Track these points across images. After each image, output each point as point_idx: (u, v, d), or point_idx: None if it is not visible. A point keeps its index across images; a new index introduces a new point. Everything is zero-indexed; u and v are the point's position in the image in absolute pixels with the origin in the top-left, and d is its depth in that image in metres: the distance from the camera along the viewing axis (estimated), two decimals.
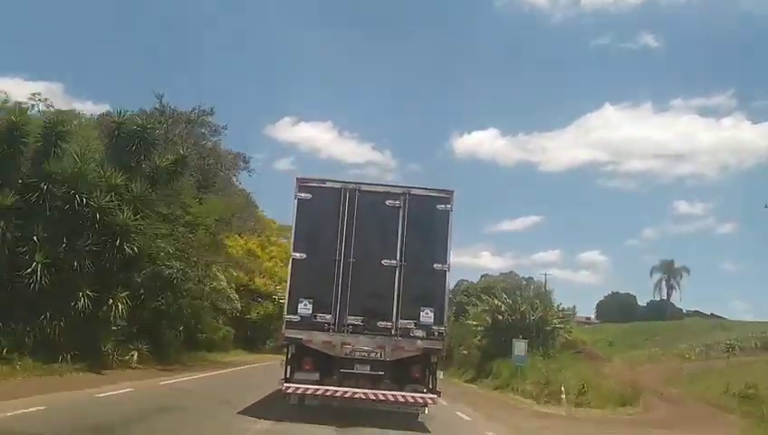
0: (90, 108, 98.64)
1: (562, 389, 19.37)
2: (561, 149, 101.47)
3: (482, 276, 71.69)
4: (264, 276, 47.24)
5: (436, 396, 10.53)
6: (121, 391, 12.78)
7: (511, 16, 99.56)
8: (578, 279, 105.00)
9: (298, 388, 10.39)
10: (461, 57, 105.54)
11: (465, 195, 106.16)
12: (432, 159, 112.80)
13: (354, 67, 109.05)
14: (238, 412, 10.99)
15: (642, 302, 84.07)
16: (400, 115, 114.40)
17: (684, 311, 75.81)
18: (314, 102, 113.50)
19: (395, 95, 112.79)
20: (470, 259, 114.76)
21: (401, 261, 10.60)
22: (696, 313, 69.39)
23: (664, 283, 78.12)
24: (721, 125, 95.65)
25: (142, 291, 19.73)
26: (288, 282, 10.95)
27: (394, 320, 10.46)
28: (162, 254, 19.73)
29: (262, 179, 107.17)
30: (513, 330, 27.69)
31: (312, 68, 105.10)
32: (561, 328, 30.96)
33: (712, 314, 71.16)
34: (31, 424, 8.47)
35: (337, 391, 10.34)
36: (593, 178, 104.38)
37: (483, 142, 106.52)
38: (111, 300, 17.31)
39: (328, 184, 10.93)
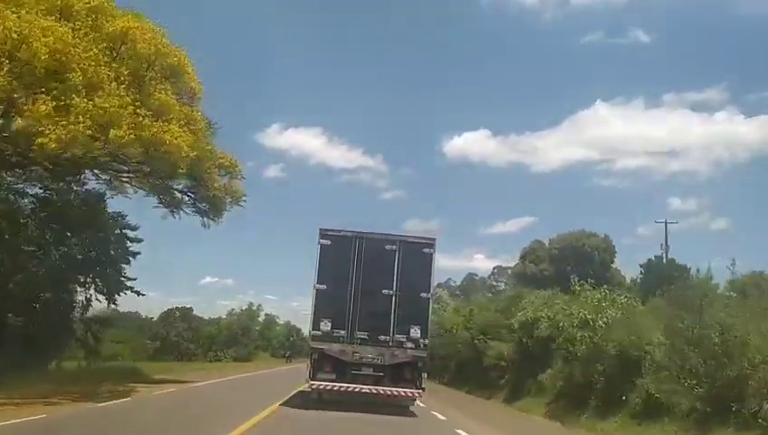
0: None
1: None
2: (553, 148, 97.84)
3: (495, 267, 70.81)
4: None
5: (421, 391, 14.25)
6: None
7: (499, 16, 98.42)
8: None
9: (320, 384, 14.15)
10: (450, 58, 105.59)
11: (457, 198, 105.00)
12: (424, 163, 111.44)
13: (343, 71, 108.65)
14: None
15: None
16: (390, 119, 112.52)
17: None
18: (303, 108, 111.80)
19: (384, 99, 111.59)
20: (464, 262, 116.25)
21: (396, 291, 14.32)
22: None
23: None
24: (714, 119, 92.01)
25: None
26: (313, 306, 14.60)
27: (391, 334, 14.18)
28: None
29: (252, 188, 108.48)
30: None
31: (300, 74, 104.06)
32: None
33: None
34: None
35: (349, 387, 14.06)
36: (586, 178, 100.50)
37: (474, 144, 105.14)
38: None
39: (342, 233, 14.72)
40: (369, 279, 14.36)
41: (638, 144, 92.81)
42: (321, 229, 14.67)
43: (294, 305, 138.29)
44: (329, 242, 14.53)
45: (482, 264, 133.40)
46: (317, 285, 14.42)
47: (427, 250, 14.70)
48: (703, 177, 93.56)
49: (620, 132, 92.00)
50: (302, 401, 15.48)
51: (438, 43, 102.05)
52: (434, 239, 14.88)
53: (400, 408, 14.64)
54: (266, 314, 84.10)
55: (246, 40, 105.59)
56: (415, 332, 14.20)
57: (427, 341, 14.38)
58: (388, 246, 14.63)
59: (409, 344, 14.17)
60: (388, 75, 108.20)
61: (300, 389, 18.04)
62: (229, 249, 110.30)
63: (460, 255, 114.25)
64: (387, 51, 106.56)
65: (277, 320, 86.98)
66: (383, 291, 14.32)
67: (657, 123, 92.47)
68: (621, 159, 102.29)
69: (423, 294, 14.45)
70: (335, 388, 14.11)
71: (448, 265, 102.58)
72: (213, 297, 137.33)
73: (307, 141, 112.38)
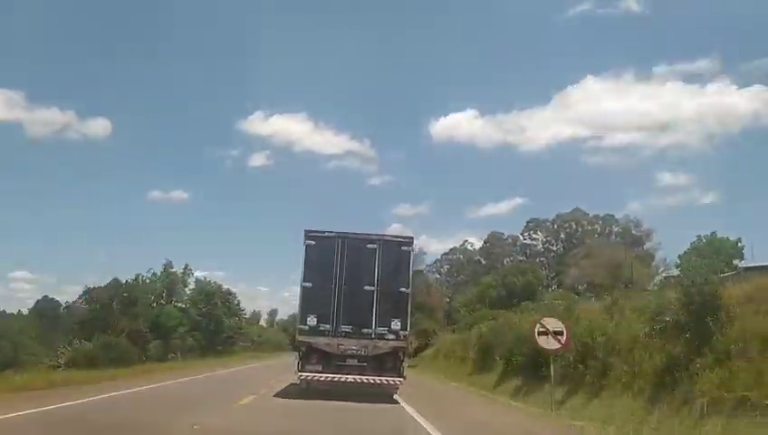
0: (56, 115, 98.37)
1: None
2: (542, 126, 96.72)
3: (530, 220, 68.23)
4: None
5: (402, 379, 15.32)
6: None
7: None
8: None
9: (308, 376, 15.19)
10: (435, 36, 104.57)
11: (446, 181, 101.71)
12: (412, 146, 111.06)
13: (326, 55, 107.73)
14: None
15: None
16: (377, 100, 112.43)
17: None
18: (287, 94, 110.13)
19: (370, 80, 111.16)
20: (454, 246, 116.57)
21: (377, 286, 15.35)
22: None
23: None
24: (705, 91, 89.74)
25: None
26: (300, 302, 15.61)
27: (373, 327, 15.20)
28: None
29: (238, 178, 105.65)
30: None
31: (283, 58, 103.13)
32: None
33: None
34: None
35: (335, 377, 15.09)
36: (575, 155, 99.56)
37: (462, 125, 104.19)
38: None
39: (326, 234, 15.72)
40: (352, 276, 15.36)
41: (628, 119, 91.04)
42: (306, 231, 15.67)
43: (286, 296, 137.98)
44: (313, 242, 15.53)
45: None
46: (303, 283, 15.41)
47: (405, 248, 15.78)
48: (694, 151, 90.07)
49: (610, 108, 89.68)
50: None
51: (423, 20, 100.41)
52: (411, 238, 16.09)
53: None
54: (197, 280, 54.83)
55: (225, 24, 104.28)
56: (395, 324, 15.24)
57: (406, 332, 15.45)
58: (369, 245, 15.66)
59: (390, 336, 15.21)
60: (374, 56, 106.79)
61: None
62: (219, 242, 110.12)
63: (451, 238, 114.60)
64: (371, 31, 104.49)
65: (212, 285, 56.32)
66: (365, 287, 15.32)
67: (648, 97, 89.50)
68: (611, 136, 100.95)
69: (402, 289, 15.49)
70: (322, 378, 15.14)
71: (438, 248, 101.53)
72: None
73: (292, 127, 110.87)
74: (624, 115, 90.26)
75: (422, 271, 66.34)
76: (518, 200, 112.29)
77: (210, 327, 53.24)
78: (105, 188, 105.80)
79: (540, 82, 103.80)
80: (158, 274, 50.50)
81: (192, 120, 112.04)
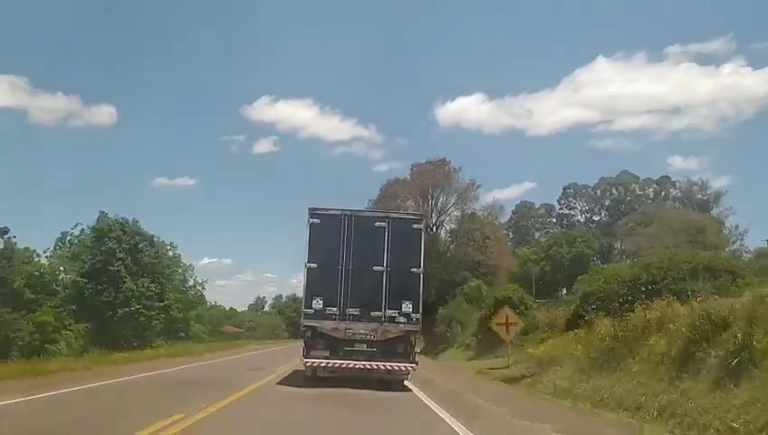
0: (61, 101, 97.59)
1: None
2: (551, 110, 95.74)
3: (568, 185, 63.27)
4: None
5: (414, 365, 14.36)
6: None
7: None
8: None
9: (314, 362, 14.29)
10: (441, 20, 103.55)
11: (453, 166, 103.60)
12: (419, 130, 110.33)
13: (332, 40, 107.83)
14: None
15: None
16: (383, 85, 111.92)
17: None
18: (293, 79, 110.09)
19: (376, 66, 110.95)
20: None
21: (387, 267, 14.38)
22: None
23: None
24: (720, 72, 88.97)
25: None
26: (304, 284, 14.71)
27: (383, 310, 14.26)
28: None
29: (244, 164, 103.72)
30: None
31: (288, 44, 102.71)
32: None
33: None
34: None
35: (342, 363, 14.19)
36: (585, 140, 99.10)
37: (469, 109, 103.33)
38: None
39: (331, 211, 14.77)
40: (360, 256, 14.43)
41: (638, 103, 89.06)
42: (310, 208, 14.74)
43: (293, 283, 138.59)
44: (318, 221, 14.59)
45: None
46: (308, 264, 14.49)
47: (416, 226, 14.78)
48: (707, 134, 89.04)
49: (621, 91, 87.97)
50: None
51: (429, 4, 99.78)
52: (422, 215, 15.00)
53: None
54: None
55: (231, 9, 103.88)
56: (407, 307, 14.29)
57: (418, 315, 14.48)
58: (377, 224, 14.68)
59: (401, 319, 14.26)
60: (380, 41, 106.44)
61: None
62: (226, 229, 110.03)
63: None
64: (377, 15, 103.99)
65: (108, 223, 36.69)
66: (374, 268, 14.39)
67: (660, 79, 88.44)
68: (621, 120, 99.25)
69: (414, 270, 14.51)
70: (329, 365, 14.26)
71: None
72: (211, 278, 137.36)
73: (298, 113, 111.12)
74: (635, 98, 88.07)
75: (476, 215, 50.66)
76: (528, 185, 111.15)
77: (101, 296, 32.37)
78: (110, 176, 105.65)
79: (548, 64, 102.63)
80: (89, 231, 34.34)
81: (197, 105, 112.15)
